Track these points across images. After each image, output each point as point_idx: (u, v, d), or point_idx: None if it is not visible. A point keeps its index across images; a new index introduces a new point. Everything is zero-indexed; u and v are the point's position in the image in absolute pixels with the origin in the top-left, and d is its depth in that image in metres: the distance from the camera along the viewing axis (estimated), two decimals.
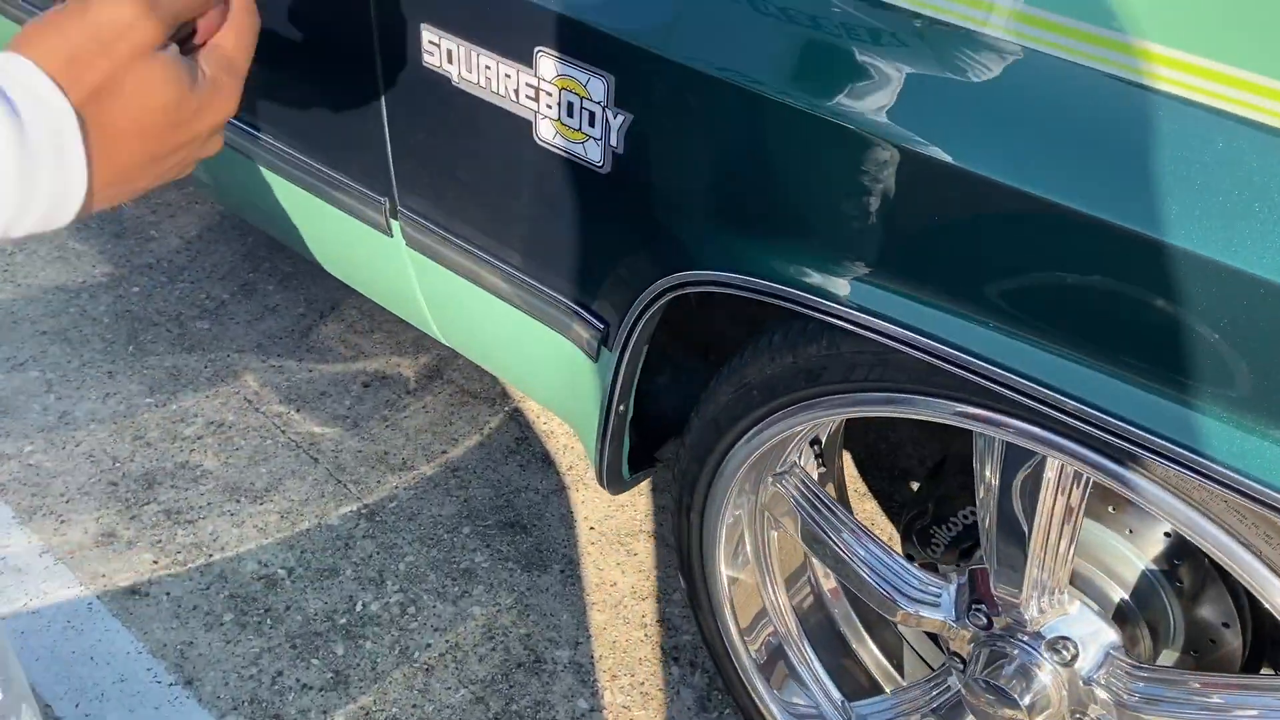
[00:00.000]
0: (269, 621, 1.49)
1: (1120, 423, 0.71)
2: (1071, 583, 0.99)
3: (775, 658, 1.25)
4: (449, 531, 1.65)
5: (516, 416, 1.84)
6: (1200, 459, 0.69)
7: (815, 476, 1.15)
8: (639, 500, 1.73)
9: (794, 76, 0.79)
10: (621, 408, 1.09)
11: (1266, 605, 0.78)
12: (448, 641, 1.49)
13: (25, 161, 0.46)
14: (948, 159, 0.72)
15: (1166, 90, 0.66)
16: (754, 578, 1.21)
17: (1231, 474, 0.68)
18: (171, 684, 1.41)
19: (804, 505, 1.12)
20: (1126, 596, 1.00)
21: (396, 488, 1.70)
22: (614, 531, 1.66)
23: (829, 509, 1.12)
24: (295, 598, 1.52)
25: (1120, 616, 0.99)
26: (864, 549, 1.11)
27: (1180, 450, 0.69)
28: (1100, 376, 0.72)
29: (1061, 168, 0.69)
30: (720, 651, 1.27)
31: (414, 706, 1.40)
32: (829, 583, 1.27)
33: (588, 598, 1.57)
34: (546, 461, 1.78)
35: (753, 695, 1.26)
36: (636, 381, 1.07)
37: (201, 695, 1.40)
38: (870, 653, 1.29)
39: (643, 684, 1.46)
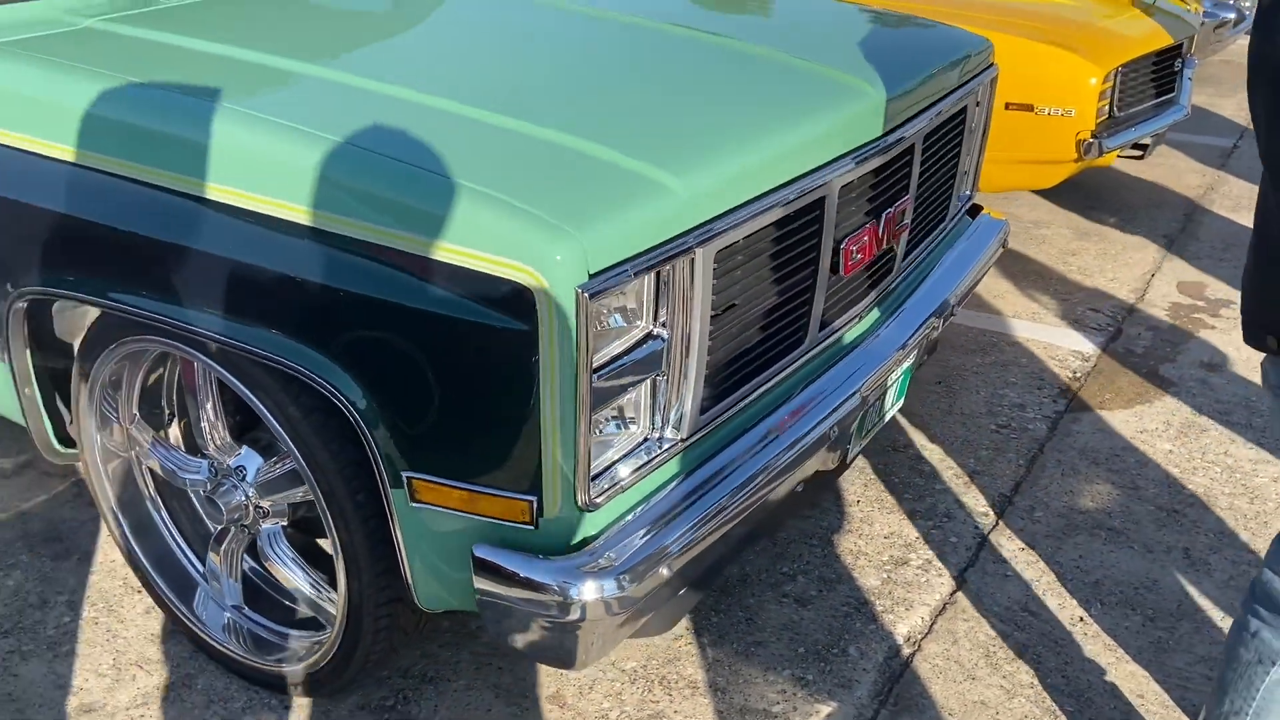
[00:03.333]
0: None
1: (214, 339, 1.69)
2: (244, 436, 1.94)
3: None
4: (6, 545, 2.46)
5: (80, 485, 2.69)
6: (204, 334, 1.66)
7: (150, 430, 2.07)
8: None
9: None
10: (28, 390, 2.00)
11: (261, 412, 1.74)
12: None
13: None
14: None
15: None
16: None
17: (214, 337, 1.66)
18: None
19: (149, 441, 2.04)
20: (264, 438, 1.95)
21: None
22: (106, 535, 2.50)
23: (156, 440, 2.04)
24: None
25: (263, 449, 1.93)
26: (168, 455, 2.02)
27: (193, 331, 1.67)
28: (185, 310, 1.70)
29: None
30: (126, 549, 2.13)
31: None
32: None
33: (91, 562, 2.40)
34: (81, 498, 2.62)
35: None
36: (34, 371, 1.98)
37: None
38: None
39: (120, 602, 2.28)
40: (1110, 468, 2.77)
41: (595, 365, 1.49)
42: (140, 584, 2.22)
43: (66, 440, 2.13)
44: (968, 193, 2.75)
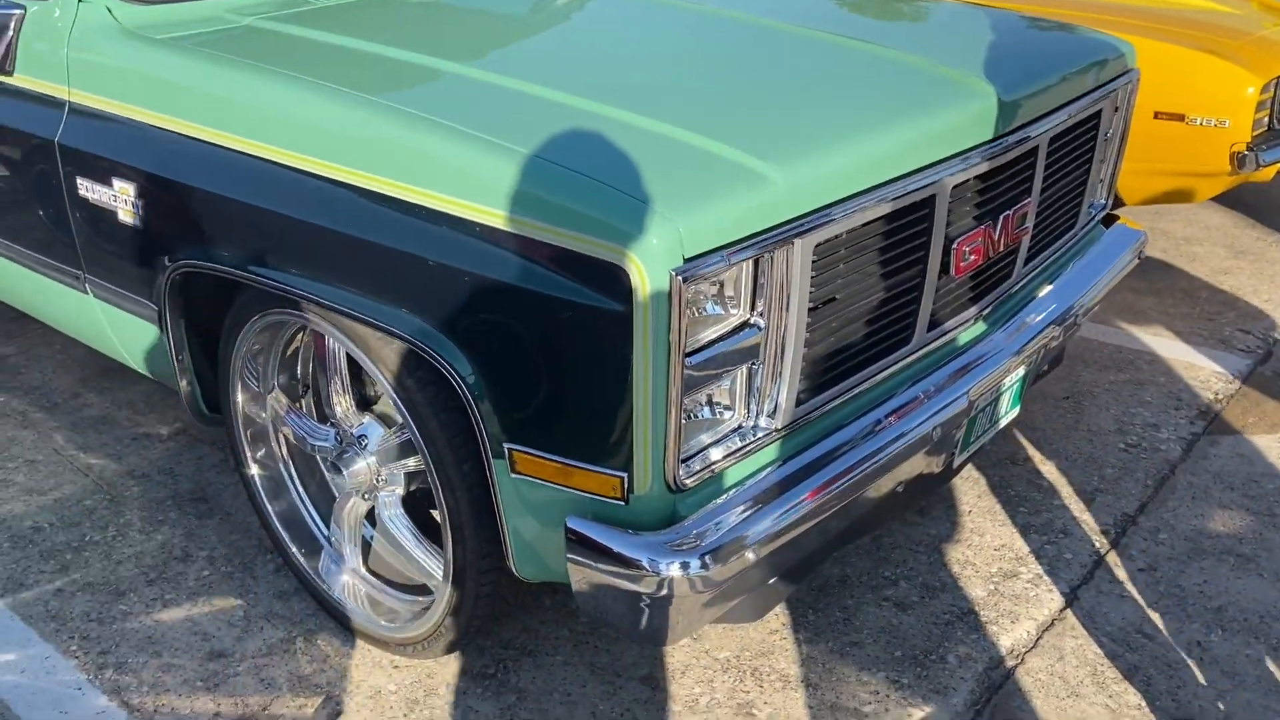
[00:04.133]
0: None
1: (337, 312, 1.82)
2: (368, 408, 2.06)
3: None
4: (158, 503, 2.67)
5: (226, 451, 2.89)
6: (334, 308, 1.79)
7: (286, 400, 2.22)
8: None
9: None
10: (180, 356, 2.18)
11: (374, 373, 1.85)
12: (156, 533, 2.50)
13: None
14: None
15: None
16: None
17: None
18: None
19: (285, 409, 2.19)
20: (384, 411, 2.06)
21: (139, 490, 2.74)
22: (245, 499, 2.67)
23: (291, 409, 2.19)
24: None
25: (384, 420, 2.05)
26: (300, 422, 2.17)
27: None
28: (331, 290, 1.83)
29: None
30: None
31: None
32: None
33: (230, 522, 2.58)
34: (225, 465, 2.81)
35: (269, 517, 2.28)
36: (186, 336, 2.16)
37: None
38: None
39: (253, 560, 2.45)
40: (1246, 493, 2.63)
41: (689, 349, 1.53)
42: (271, 544, 2.37)
43: (213, 406, 2.31)
44: (1102, 201, 2.67)
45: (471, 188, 1.58)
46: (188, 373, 2.23)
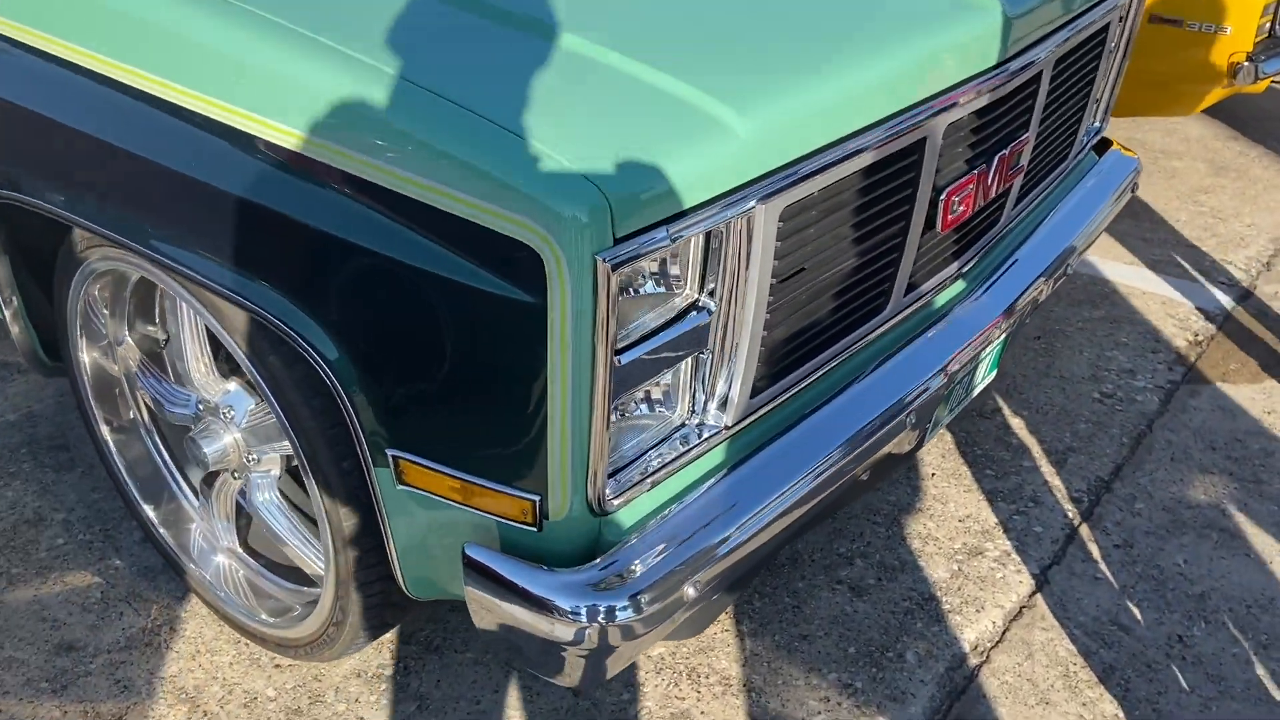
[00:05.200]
0: None
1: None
2: (236, 371, 1.71)
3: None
4: (11, 450, 2.31)
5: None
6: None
7: (141, 354, 1.86)
8: None
9: None
10: (8, 297, 1.80)
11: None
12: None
13: None
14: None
15: None
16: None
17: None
18: None
19: (138, 366, 1.83)
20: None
21: None
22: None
23: (145, 366, 1.83)
24: None
25: (254, 388, 1.70)
26: (155, 384, 1.81)
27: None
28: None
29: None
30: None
31: None
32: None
33: (93, 476, 2.24)
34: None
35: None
36: (13, 275, 1.77)
37: None
38: None
39: (117, 527, 2.12)
40: (1229, 454, 2.42)
41: (619, 346, 1.21)
42: (131, 515, 2.04)
43: (55, 352, 1.94)
44: (1097, 124, 2.35)
45: (328, 122, 1.20)
46: (20, 318, 1.85)
